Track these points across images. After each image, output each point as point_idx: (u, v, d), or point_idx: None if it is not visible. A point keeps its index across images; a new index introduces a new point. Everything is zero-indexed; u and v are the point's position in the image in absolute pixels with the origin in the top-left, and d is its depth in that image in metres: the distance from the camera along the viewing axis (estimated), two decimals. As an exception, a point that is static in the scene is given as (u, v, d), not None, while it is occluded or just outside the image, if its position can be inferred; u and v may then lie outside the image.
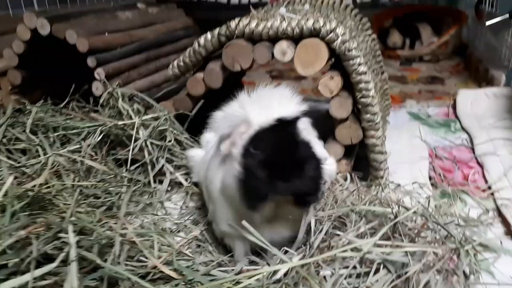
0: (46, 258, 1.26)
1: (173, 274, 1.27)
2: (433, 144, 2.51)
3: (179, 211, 1.87)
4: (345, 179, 1.84)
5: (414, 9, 4.69)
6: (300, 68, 1.92)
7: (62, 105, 2.07)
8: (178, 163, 2.05)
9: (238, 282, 1.17)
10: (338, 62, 1.97)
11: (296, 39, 1.92)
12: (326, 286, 1.20)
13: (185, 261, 1.43)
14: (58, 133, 1.84)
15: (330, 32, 1.84)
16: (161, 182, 1.99)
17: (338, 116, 1.95)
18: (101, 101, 2.03)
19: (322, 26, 1.84)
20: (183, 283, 1.27)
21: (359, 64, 1.88)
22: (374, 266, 1.25)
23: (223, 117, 1.35)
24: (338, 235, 1.32)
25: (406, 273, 1.24)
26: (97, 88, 2.30)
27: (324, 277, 1.24)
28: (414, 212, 1.41)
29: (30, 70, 2.48)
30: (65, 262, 1.18)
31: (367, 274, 1.25)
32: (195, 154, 1.79)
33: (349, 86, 1.97)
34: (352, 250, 1.28)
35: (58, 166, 1.69)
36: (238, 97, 1.35)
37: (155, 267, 1.36)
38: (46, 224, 1.35)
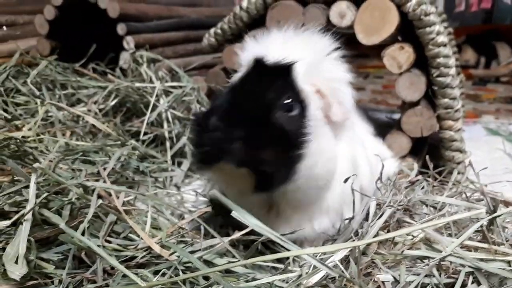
0: (2, 215, 0.96)
1: (165, 253, 0.90)
2: (519, 160, 2.06)
3: (196, 199, 1.50)
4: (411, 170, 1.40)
5: (490, 27, 4.21)
6: (362, 35, 1.54)
7: (78, 65, 1.81)
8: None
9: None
10: (409, 33, 1.57)
11: (358, -2, 1.55)
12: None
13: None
14: (66, 91, 1.55)
15: (403, -11, 1.46)
16: (180, 165, 1.65)
17: (408, 98, 1.53)
18: (120, 62, 1.73)
19: (394, -20, 1.47)
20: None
21: (438, 33, 1.48)
22: (461, 276, 0.81)
23: None
24: (407, 223, 0.89)
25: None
26: (125, 61, 2.02)
27: (383, 283, 0.81)
28: (521, 208, 0.96)
29: (59, 41, 2.26)
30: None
31: (448, 287, 0.82)
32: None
33: (422, 64, 1.57)
34: (427, 248, 0.85)
35: (59, 124, 1.39)
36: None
37: (146, 248, 1.00)
38: (11, 174, 1.04)
